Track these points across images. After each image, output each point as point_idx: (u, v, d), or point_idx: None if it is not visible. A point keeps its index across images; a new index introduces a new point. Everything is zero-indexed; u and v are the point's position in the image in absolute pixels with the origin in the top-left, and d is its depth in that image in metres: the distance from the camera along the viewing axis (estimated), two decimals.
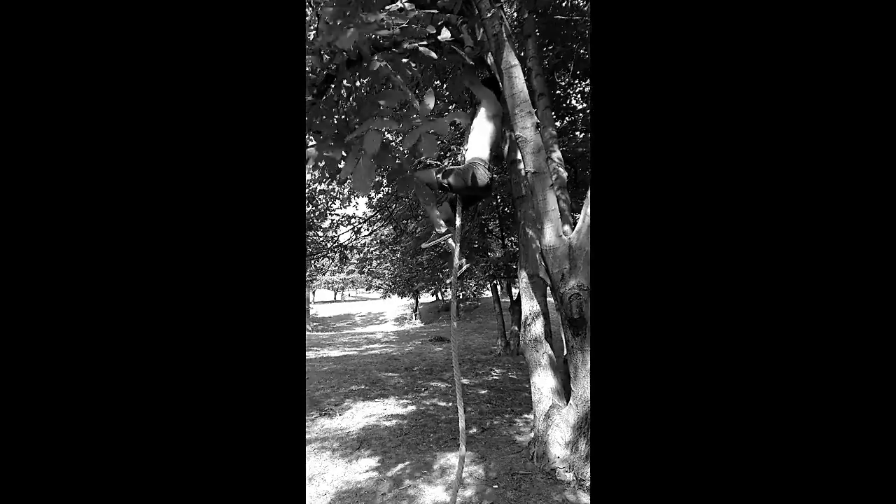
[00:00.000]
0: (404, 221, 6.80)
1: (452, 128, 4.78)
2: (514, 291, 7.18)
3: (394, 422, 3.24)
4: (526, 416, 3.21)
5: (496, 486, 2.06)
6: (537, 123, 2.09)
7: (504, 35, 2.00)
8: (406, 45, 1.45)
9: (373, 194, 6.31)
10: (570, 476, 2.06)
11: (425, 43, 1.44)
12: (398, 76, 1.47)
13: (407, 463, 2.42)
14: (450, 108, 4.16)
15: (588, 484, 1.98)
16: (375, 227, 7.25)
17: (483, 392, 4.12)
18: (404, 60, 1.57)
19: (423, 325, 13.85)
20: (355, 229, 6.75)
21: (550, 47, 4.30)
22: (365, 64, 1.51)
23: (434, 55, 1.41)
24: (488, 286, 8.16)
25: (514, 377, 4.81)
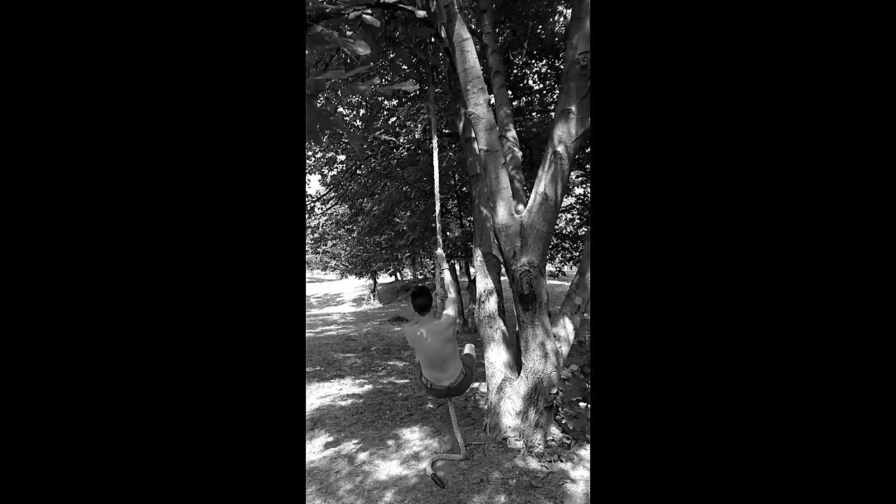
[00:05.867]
0: (360, 200, 6.62)
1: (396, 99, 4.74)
2: (472, 271, 7.27)
3: (349, 401, 3.22)
4: (481, 390, 3.31)
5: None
6: (490, 100, 2.07)
7: (455, 7, 1.95)
8: (350, 13, 1.37)
9: (326, 171, 6.05)
10: (520, 444, 2.16)
11: (370, 11, 1.37)
12: (345, 44, 1.40)
13: (362, 440, 2.43)
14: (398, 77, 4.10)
15: (536, 450, 2.09)
16: (329, 207, 7.00)
17: None
18: (349, 33, 1.50)
19: (381, 305, 13.76)
20: (308, 208, 6.48)
21: (507, 24, 4.26)
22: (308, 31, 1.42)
23: (377, 23, 1.34)
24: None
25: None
